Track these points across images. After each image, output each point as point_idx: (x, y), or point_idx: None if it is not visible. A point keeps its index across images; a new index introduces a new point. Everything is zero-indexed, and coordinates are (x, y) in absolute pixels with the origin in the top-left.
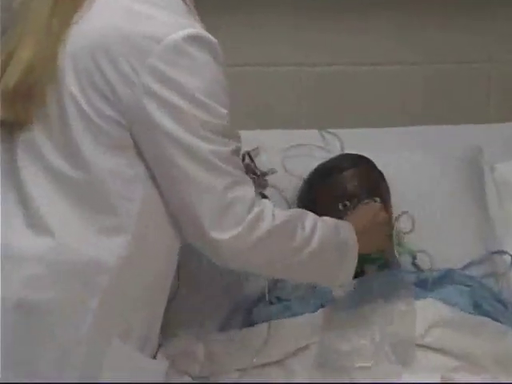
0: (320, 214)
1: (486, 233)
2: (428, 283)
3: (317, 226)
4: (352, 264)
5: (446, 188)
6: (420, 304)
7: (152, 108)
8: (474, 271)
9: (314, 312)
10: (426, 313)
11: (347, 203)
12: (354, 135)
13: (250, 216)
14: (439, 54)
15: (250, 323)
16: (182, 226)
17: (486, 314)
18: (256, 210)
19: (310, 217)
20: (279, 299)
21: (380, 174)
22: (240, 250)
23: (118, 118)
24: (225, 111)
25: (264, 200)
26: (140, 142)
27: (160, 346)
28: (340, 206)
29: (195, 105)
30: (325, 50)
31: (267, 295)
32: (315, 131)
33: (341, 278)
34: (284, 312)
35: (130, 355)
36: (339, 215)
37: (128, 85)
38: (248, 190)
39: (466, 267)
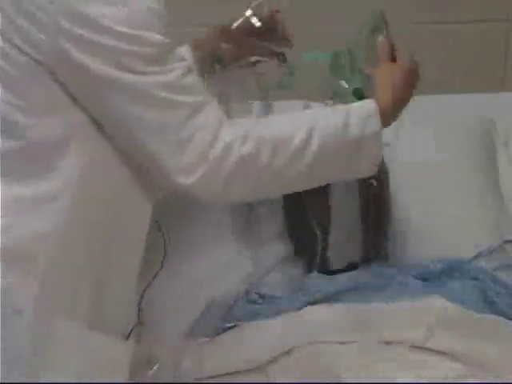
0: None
1: (498, 218)
2: (432, 276)
3: (311, 140)
4: (375, 152)
5: (454, 165)
6: (422, 301)
7: (72, 51)
8: (485, 262)
9: (300, 310)
10: (430, 311)
11: None
12: None
13: (216, 147)
14: (448, 12)
15: (227, 322)
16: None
17: (499, 312)
18: (222, 136)
19: (303, 130)
20: (262, 296)
21: None
22: (215, 188)
23: (36, 68)
24: (159, 38)
25: (237, 120)
26: (74, 92)
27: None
28: None
29: (117, 37)
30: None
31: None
32: None
33: (363, 168)
34: (267, 311)
35: (80, 335)
36: None
37: (40, 29)
38: (210, 115)
39: (475, 258)
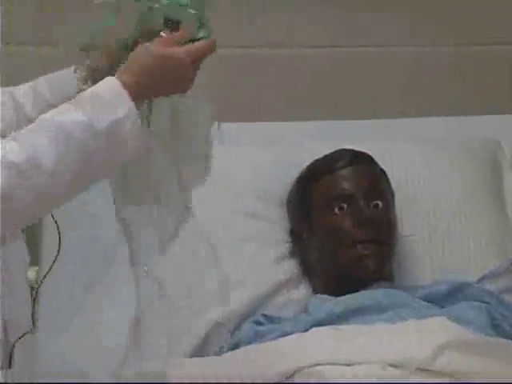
0: (314, 217)
1: (504, 240)
2: (437, 298)
3: (67, 156)
4: (133, 129)
5: (460, 187)
6: (428, 322)
7: None
8: (492, 285)
9: (305, 331)
10: (435, 333)
11: (344, 205)
12: (352, 127)
13: None
14: (453, 34)
15: (232, 344)
16: None
17: (505, 334)
18: None
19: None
20: (267, 317)
21: (382, 172)
22: None
23: None
24: None
25: None
26: None
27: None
28: (336, 210)
29: None
30: (321, 29)
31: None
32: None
33: (131, 149)
34: (272, 332)
35: None
36: (335, 219)
37: None
38: None
39: (481, 280)
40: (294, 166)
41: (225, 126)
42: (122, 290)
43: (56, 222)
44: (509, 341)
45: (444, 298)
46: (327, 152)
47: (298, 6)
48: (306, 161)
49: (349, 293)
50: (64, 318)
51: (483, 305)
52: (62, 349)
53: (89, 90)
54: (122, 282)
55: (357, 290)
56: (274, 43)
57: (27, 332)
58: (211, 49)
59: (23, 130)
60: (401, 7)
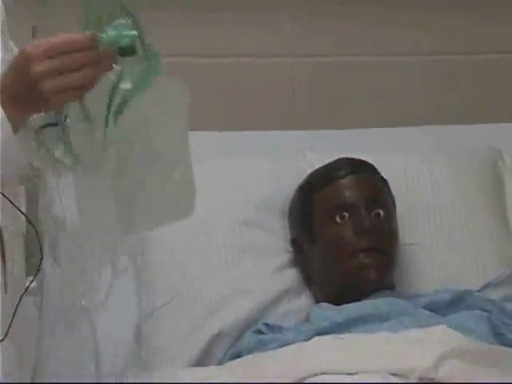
0: (315, 226)
1: (506, 249)
2: (440, 307)
3: None
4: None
5: (460, 195)
6: (430, 331)
7: None
8: (493, 293)
9: (307, 340)
10: (437, 342)
11: (345, 214)
12: (354, 136)
13: None
14: (456, 43)
15: (234, 354)
16: None
17: (508, 343)
18: None
19: None
20: (269, 326)
21: (383, 181)
22: None
23: None
24: None
25: None
26: None
27: None
28: (337, 218)
29: None
30: (324, 37)
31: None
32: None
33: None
34: (274, 341)
35: None
36: (336, 228)
37: None
38: None
39: (483, 288)
40: (295, 176)
41: (225, 134)
42: (123, 299)
43: (35, 228)
44: (510, 349)
45: (446, 307)
46: (328, 161)
47: (297, 16)
48: (307, 170)
49: (350, 302)
50: (63, 327)
51: (484, 313)
52: (61, 358)
53: None
54: (123, 290)
55: (358, 300)
56: (273, 52)
57: None
58: (70, 43)
59: None
60: (399, 16)
